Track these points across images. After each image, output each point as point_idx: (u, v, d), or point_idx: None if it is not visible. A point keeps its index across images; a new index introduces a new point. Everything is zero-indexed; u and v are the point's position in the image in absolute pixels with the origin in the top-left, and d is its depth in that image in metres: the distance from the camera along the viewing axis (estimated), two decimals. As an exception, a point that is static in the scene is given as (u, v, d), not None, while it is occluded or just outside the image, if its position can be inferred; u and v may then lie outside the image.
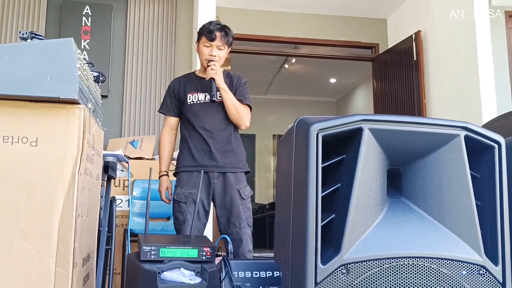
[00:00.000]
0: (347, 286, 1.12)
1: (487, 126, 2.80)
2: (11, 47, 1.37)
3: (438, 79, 4.89)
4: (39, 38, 1.46)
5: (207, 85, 2.73)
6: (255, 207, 8.61)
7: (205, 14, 4.34)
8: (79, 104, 1.38)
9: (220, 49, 2.77)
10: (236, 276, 1.64)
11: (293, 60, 7.97)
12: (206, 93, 2.74)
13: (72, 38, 1.36)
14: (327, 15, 5.89)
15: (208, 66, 2.68)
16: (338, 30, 5.90)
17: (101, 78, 1.78)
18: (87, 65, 1.57)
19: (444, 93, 4.78)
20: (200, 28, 2.82)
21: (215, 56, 2.72)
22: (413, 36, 5.17)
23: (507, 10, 4.89)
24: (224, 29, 2.79)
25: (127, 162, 2.26)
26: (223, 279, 1.63)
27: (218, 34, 2.73)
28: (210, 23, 2.82)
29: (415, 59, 5.13)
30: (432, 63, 5.01)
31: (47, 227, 1.34)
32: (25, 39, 1.45)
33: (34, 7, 4.57)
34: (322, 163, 1.16)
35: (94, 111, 1.66)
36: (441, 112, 4.77)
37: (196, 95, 2.77)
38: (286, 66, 8.31)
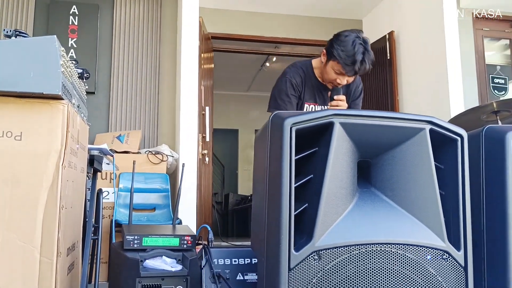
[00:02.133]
0: (319, 271, 1.13)
1: (454, 120, 2.84)
2: (-5, 44, 1.34)
3: (410, 76, 4.93)
4: (23, 36, 1.43)
5: (326, 98, 2.31)
6: (238, 198, 8.63)
7: (188, 13, 4.31)
8: (63, 99, 1.35)
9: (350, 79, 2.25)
10: (216, 263, 1.64)
11: (274, 59, 7.97)
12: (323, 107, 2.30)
13: (55, 36, 1.34)
14: (306, 16, 5.90)
15: (333, 90, 2.21)
16: (316, 30, 5.90)
17: (85, 75, 1.75)
18: (71, 62, 1.54)
19: (415, 90, 4.82)
20: (338, 50, 2.14)
21: (341, 85, 2.22)
22: (387, 36, 5.20)
23: (474, 12, 4.94)
24: (365, 65, 2.14)
25: (112, 156, 2.23)
26: (203, 267, 1.63)
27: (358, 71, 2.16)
28: (356, 54, 2.10)
29: (388, 57, 5.16)
30: (404, 61, 5.04)
31: (31, 218, 1.32)
32: (9, 36, 1.41)
33: (22, 7, 4.48)
34: (296, 156, 1.16)
35: (78, 106, 1.64)
36: (412, 107, 4.81)
37: (313, 107, 2.32)
38: (267, 64, 8.29)
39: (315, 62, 2.38)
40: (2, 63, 1.32)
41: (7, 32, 1.42)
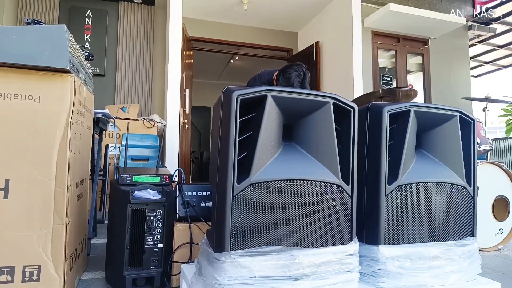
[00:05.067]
0: (253, 198, 1.13)
1: (355, 100, 2.89)
2: (18, 28, 1.23)
3: (328, 73, 4.97)
4: (40, 24, 1.31)
5: None
6: (208, 154, 8.60)
7: (174, 20, 4.11)
8: (71, 73, 1.27)
9: None
10: (186, 195, 1.62)
11: (237, 58, 7.81)
12: None
13: (64, 25, 1.24)
14: (260, 28, 5.78)
15: None
16: (267, 38, 5.82)
17: (90, 57, 1.64)
18: (79, 46, 1.44)
19: (332, 82, 4.87)
20: (283, 83, 1.93)
21: None
22: (314, 45, 5.19)
23: (373, 30, 4.98)
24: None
25: (113, 119, 2.13)
26: (177, 197, 1.61)
27: None
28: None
29: (314, 59, 5.16)
30: (325, 62, 5.06)
31: (48, 159, 1.25)
32: (29, 23, 1.30)
33: (50, 11, 4.14)
34: (240, 118, 1.14)
35: (85, 80, 1.54)
36: (329, 95, 4.85)
37: None
38: (232, 61, 8.12)
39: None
40: (24, 43, 1.21)
41: (27, 20, 1.30)
